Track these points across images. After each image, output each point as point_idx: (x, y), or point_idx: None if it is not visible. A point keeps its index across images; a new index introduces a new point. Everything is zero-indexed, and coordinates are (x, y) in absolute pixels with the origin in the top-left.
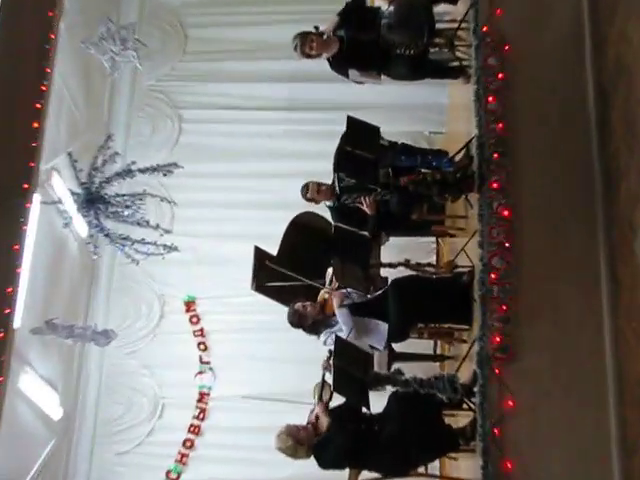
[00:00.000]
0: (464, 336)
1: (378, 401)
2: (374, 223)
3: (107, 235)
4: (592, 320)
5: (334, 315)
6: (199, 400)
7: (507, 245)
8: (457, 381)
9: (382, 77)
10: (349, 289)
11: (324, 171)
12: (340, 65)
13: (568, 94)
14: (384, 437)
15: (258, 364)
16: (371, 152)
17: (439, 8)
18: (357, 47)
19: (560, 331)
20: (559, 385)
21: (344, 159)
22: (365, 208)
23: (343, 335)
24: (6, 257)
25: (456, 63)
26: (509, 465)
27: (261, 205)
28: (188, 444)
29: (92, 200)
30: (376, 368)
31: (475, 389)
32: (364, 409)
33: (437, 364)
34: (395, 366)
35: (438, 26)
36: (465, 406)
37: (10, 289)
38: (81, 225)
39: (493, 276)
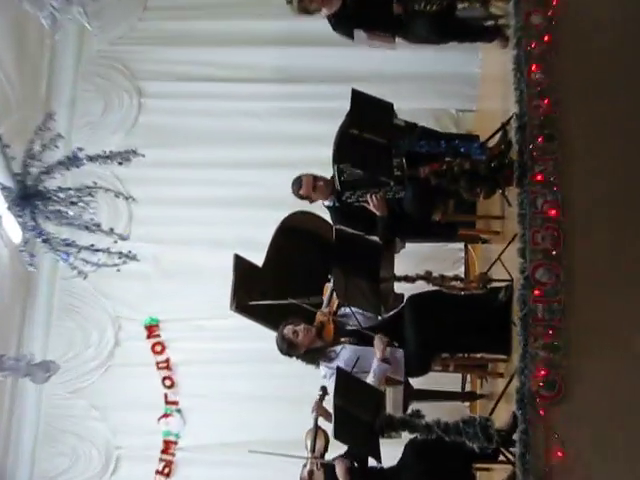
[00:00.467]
0: (500, 369)
1: (391, 451)
2: (385, 226)
3: (46, 240)
4: None
5: (335, 344)
6: (164, 451)
7: (555, 253)
8: (492, 426)
9: (396, 40)
10: (353, 309)
11: (324, 160)
12: (344, 24)
13: (635, 61)
14: None
15: (238, 405)
16: (383, 135)
17: None
18: (365, 1)
19: (623, 362)
20: (622, 431)
21: (348, 145)
22: (372, 208)
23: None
24: None
25: (491, 22)
26: None
27: (243, 203)
28: None
29: (27, 196)
30: (389, 409)
31: (515, 436)
32: (373, 461)
33: (466, 404)
34: (413, 407)
35: None
36: (502, 458)
37: None
38: (13, 228)
39: (537, 292)
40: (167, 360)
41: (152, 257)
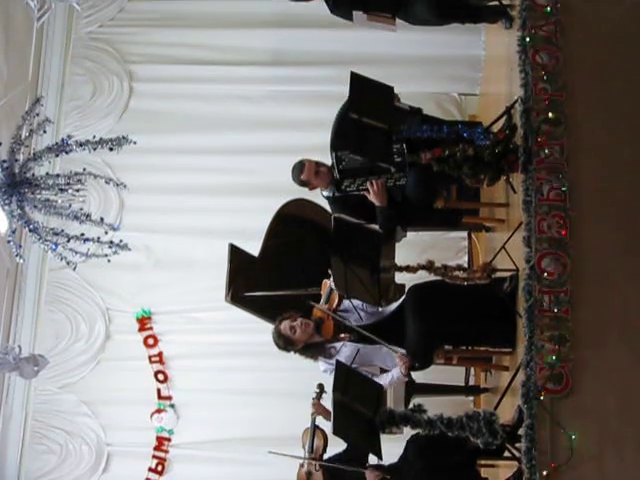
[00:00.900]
0: (505, 362)
1: (392, 447)
2: (385, 217)
3: (34, 230)
4: None
5: (334, 340)
6: (157, 447)
7: (562, 242)
8: (496, 421)
9: (397, 21)
10: (355, 302)
11: (321, 146)
12: (341, 5)
13: None
14: None
15: (234, 399)
16: (383, 120)
17: None
18: None
19: (633, 354)
20: (630, 425)
21: (347, 130)
22: (371, 197)
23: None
24: None
25: (495, 2)
26: None
27: (238, 190)
28: None
29: (15, 184)
30: (390, 404)
31: (520, 431)
32: (373, 458)
33: (470, 399)
34: (415, 401)
35: None
36: (507, 454)
37: None
38: None
39: (543, 283)
40: (160, 354)
41: (144, 247)
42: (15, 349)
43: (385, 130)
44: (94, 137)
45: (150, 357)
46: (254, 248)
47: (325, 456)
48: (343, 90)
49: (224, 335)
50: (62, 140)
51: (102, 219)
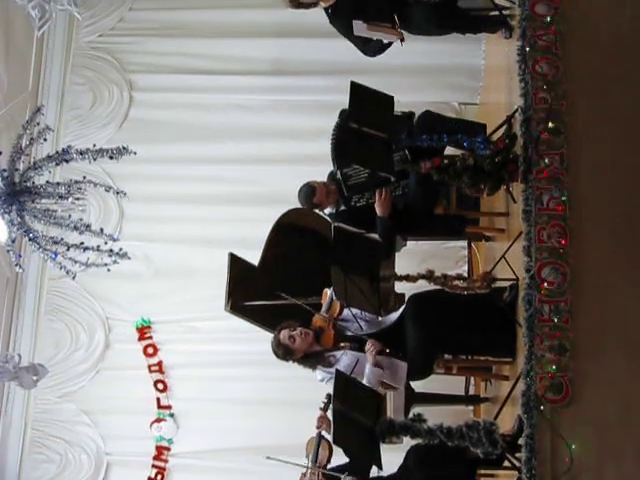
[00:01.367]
0: (505, 371)
1: (392, 457)
2: (385, 225)
3: (34, 239)
4: None
5: (334, 349)
6: (156, 457)
7: (562, 251)
8: (496, 431)
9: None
10: (354, 311)
11: (322, 154)
12: (342, 15)
13: None
14: None
15: (234, 409)
16: (383, 130)
17: None
18: None
19: (633, 364)
20: (630, 436)
21: (347, 140)
22: (377, 204)
23: (344, 367)
24: None
25: (495, 12)
26: None
27: (238, 200)
28: None
29: (15, 193)
30: (390, 414)
31: (520, 441)
32: (374, 468)
33: (470, 408)
34: (415, 411)
35: None
36: (507, 463)
37: None
38: None
39: (543, 292)
40: (159, 363)
41: (144, 256)
42: (15, 357)
43: (385, 139)
44: (94, 146)
45: (150, 366)
46: (254, 257)
47: (329, 467)
48: (343, 100)
49: (224, 344)
50: (62, 149)
51: (102, 230)
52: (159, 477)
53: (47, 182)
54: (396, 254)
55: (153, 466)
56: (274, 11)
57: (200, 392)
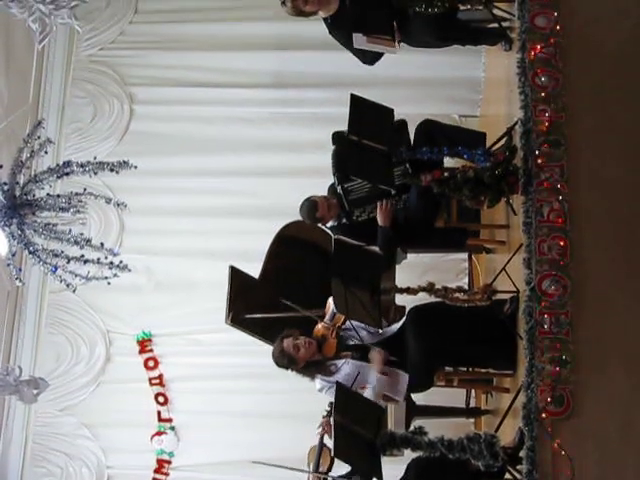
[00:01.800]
0: (506, 384)
1: (393, 470)
2: (386, 235)
3: (34, 252)
4: None
5: (335, 358)
6: (157, 470)
7: (562, 263)
8: (497, 443)
9: (397, 43)
10: (355, 324)
11: (323, 167)
12: (341, 27)
13: None
14: None
15: (234, 422)
16: (383, 143)
17: None
18: (364, 3)
19: (634, 377)
20: (631, 449)
21: (347, 155)
22: (379, 214)
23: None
24: None
25: (494, 24)
26: None
27: (239, 212)
28: None
29: (15, 206)
30: (391, 426)
31: (521, 454)
32: None
33: (471, 421)
34: (416, 423)
35: None
36: (508, 476)
37: None
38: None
39: (544, 304)
40: (160, 376)
41: (144, 268)
42: (16, 370)
43: (385, 152)
44: (95, 159)
45: (150, 379)
46: (255, 270)
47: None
48: (344, 112)
49: (225, 357)
50: (63, 162)
51: (102, 244)
52: None
53: (47, 194)
54: (397, 267)
55: (154, 479)
56: (275, 24)
57: (201, 405)
